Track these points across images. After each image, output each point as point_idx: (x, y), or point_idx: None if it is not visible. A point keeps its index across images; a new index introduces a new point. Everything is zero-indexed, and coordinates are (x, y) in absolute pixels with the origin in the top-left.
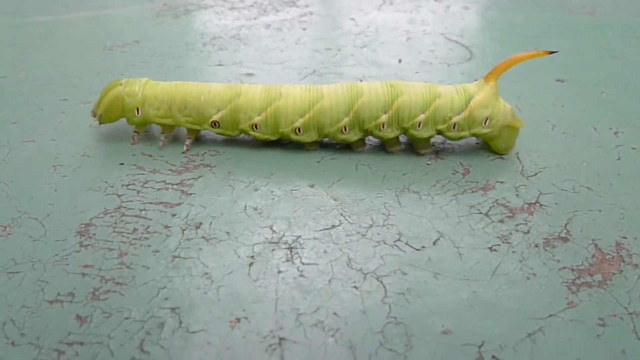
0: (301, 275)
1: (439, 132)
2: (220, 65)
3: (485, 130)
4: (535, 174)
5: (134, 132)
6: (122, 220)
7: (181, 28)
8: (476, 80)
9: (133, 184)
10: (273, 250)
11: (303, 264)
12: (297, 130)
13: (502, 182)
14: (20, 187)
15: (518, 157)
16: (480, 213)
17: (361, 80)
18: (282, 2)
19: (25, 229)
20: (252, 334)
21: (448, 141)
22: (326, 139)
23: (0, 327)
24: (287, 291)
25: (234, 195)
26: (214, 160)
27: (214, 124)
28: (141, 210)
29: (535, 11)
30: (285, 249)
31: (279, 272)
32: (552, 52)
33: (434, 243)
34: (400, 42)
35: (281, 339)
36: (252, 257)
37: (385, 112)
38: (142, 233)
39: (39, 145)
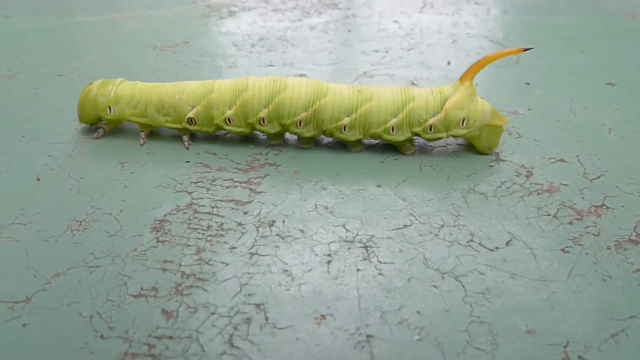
0: (380, 274)
1: (416, 134)
2: (271, 65)
3: (463, 131)
4: (598, 176)
5: (100, 128)
6: (196, 217)
7: (227, 29)
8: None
9: (201, 181)
10: (349, 248)
11: (380, 262)
12: (261, 121)
13: (566, 185)
14: (90, 183)
15: (579, 160)
16: (549, 215)
17: (413, 83)
18: (323, 5)
19: (101, 224)
20: (339, 331)
21: (508, 143)
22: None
23: (88, 320)
24: (368, 289)
25: (303, 194)
26: (278, 159)
27: (190, 121)
28: (213, 208)
29: (574, 14)
30: (361, 247)
31: (358, 270)
32: (526, 49)
33: (507, 244)
34: (447, 44)
35: (368, 336)
36: (329, 255)
37: (348, 115)
38: (217, 230)
39: (103, 142)
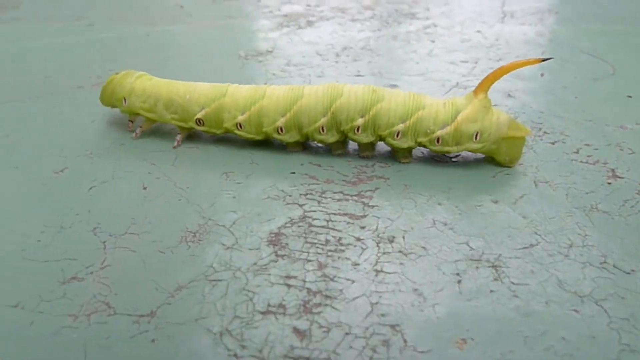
0: (515, 296)
1: (421, 145)
2: (359, 75)
3: (477, 146)
4: None
5: (138, 127)
6: (312, 231)
7: (309, 38)
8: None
9: (311, 193)
10: (477, 268)
11: (513, 283)
12: (279, 130)
13: None
14: (197, 193)
15: None
16: None
17: (509, 95)
18: (401, 14)
19: (215, 235)
20: (484, 356)
21: (622, 159)
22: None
23: (218, 337)
24: (505, 312)
25: (418, 208)
26: (385, 172)
27: (199, 122)
28: (327, 221)
29: None
30: (489, 267)
31: (491, 291)
32: (544, 60)
33: None
34: (535, 55)
35: None
36: (458, 274)
37: (362, 116)
38: (336, 245)
39: (203, 151)
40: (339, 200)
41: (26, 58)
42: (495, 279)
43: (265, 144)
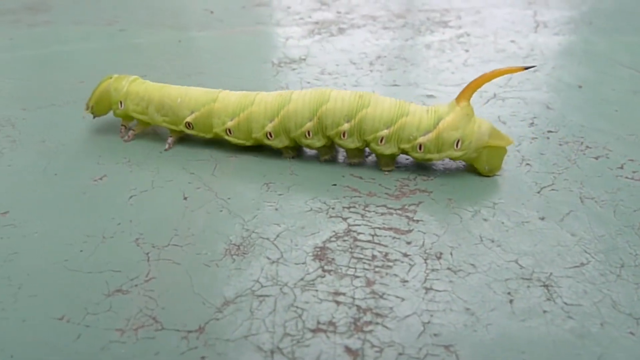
0: (569, 317)
1: (404, 152)
2: (395, 85)
3: (458, 153)
4: None
5: (131, 129)
6: (357, 246)
7: (341, 46)
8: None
9: (354, 206)
10: (528, 287)
11: (566, 304)
12: (268, 135)
13: None
14: (239, 204)
15: None
16: None
17: (548, 107)
18: (433, 23)
19: (259, 249)
20: None
21: None
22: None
23: (269, 356)
24: (560, 334)
25: (464, 224)
26: (428, 185)
27: (188, 125)
28: (373, 236)
29: None
30: (541, 286)
31: (544, 311)
32: (527, 68)
33: None
34: (573, 66)
35: None
36: (509, 293)
37: (347, 121)
38: (383, 261)
39: (242, 161)
40: (382, 214)
41: (59, 62)
42: (548, 299)
43: (304, 156)
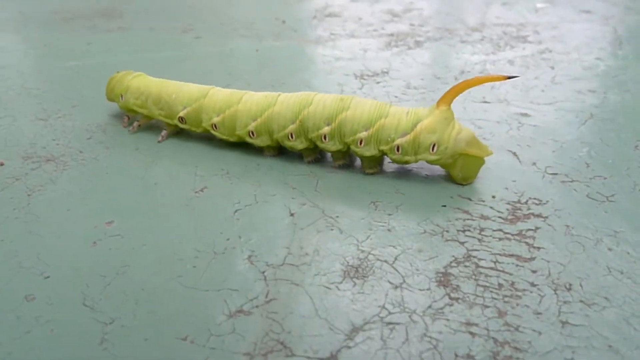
0: None
1: (384, 153)
2: (485, 102)
3: (433, 157)
4: None
5: (135, 121)
6: (480, 273)
7: (422, 60)
8: None
9: (469, 230)
10: None
11: None
12: (250, 134)
13: None
14: (349, 223)
15: None
16: None
17: None
18: (511, 37)
19: (380, 272)
20: None
21: None
22: None
23: None
24: None
25: (588, 253)
26: (542, 210)
27: (181, 120)
28: (494, 262)
29: None
30: None
31: None
32: (509, 77)
33: None
34: None
35: None
36: None
37: (328, 124)
38: (510, 290)
39: (343, 176)
40: (500, 239)
41: (141, 69)
42: None
43: (410, 175)
